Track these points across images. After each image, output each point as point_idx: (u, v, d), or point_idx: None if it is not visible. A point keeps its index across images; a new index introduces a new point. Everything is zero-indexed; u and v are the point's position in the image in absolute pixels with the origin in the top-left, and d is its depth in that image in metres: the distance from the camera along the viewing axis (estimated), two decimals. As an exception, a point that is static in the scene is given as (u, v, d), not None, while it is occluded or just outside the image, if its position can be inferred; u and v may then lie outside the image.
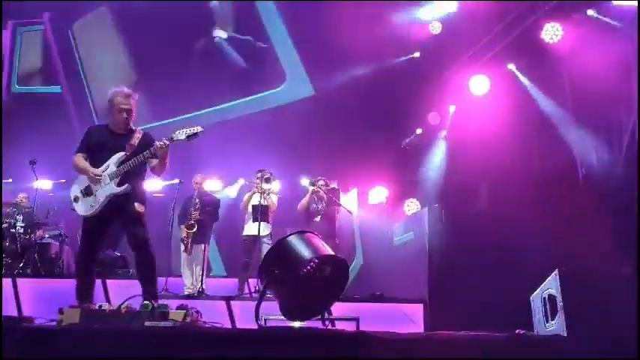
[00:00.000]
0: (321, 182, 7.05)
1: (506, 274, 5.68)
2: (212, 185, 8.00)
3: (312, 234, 4.01)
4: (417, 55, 9.01)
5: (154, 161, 4.33)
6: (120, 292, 5.54)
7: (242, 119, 9.71)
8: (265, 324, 4.15)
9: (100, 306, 3.74)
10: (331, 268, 3.95)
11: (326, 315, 4.14)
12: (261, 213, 6.76)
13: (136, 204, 4.25)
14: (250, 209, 7.05)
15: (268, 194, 7.01)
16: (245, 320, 5.58)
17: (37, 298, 6.21)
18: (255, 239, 6.82)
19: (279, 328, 3.85)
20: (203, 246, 7.00)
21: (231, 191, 8.33)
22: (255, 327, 3.77)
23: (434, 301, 5.99)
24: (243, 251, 6.97)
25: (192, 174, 7.38)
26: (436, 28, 8.74)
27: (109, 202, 4.23)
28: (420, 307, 5.99)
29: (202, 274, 6.84)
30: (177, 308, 3.73)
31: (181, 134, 4.25)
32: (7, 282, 6.22)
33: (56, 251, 7.57)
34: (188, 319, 3.60)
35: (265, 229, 6.91)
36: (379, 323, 4.58)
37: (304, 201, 7.04)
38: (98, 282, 5.80)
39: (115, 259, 7.35)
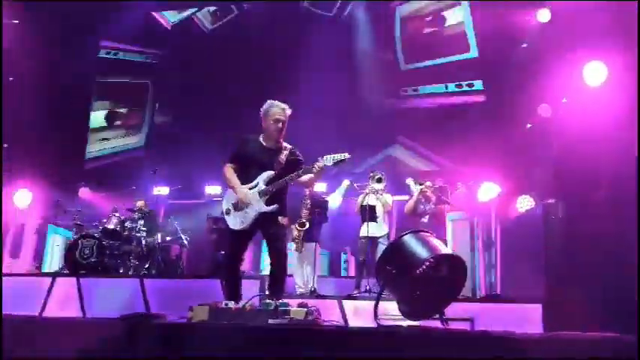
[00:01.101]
0: (428, 183, 6.99)
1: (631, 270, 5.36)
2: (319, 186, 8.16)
3: (427, 233, 4.00)
4: (525, 45, 8.69)
5: (303, 178, 4.49)
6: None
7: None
8: (380, 323, 4.17)
9: (226, 304, 3.92)
10: (448, 268, 3.91)
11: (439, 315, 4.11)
12: (369, 213, 6.80)
13: (279, 217, 4.46)
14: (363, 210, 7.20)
15: (381, 194, 7.06)
16: (357, 319, 5.63)
17: (162, 297, 6.60)
18: (371, 240, 6.94)
19: (399, 327, 3.86)
20: (314, 245, 7.15)
21: (337, 197, 8.24)
22: (369, 326, 3.80)
23: (553, 301, 5.76)
24: (359, 251, 7.11)
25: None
26: (544, 16, 8.39)
27: (256, 219, 4.43)
28: (538, 307, 5.76)
29: (314, 273, 6.98)
30: (298, 306, 3.83)
31: (329, 160, 4.38)
32: (135, 282, 6.65)
33: (177, 253, 8.04)
34: (309, 317, 3.69)
35: (380, 229, 6.98)
36: (494, 323, 4.47)
37: (411, 202, 7.02)
38: (216, 282, 6.19)
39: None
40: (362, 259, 6.98)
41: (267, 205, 4.39)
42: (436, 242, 3.92)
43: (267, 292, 4.36)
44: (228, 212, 4.52)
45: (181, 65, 10.64)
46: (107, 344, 3.46)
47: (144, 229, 7.63)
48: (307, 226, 7.10)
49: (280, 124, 4.52)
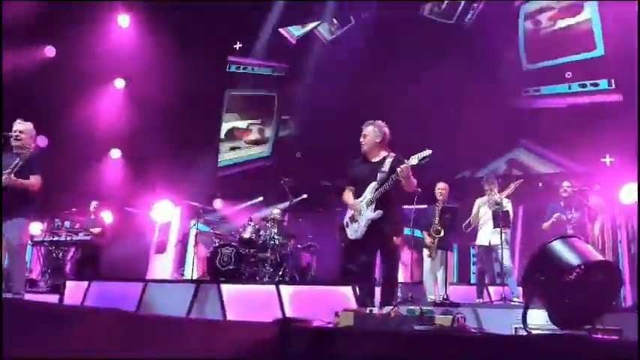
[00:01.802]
0: (566, 183, 6.70)
1: None
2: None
3: (577, 238, 3.83)
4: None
5: (403, 182, 4.74)
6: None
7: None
8: (529, 331, 4.05)
9: (371, 310, 3.99)
10: (601, 275, 3.72)
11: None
12: (504, 219, 6.63)
13: (394, 238, 4.87)
14: (481, 217, 7.08)
15: (500, 200, 6.91)
16: (490, 327, 5.51)
17: (296, 303, 6.83)
18: (488, 248, 6.81)
19: (549, 336, 3.72)
20: (446, 253, 7.09)
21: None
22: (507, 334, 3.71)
23: None
24: (479, 260, 7.00)
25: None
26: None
27: (368, 228, 4.78)
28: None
29: (446, 281, 6.92)
30: (442, 314, 3.81)
31: (414, 159, 4.63)
32: (271, 288, 6.94)
33: (308, 261, 8.29)
34: (455, 324, 3.66)
35: (496, 236, 6.81)
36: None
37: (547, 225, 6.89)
38: (347, 288, 6.32)
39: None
40: (481, 267, 6.92)
41: (375, 212, 4.73)
42: (587, 248, 3.75)
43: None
44: (347, 225, 4.99)
45: (305, 77, 10.96)
46: (262, 347, 3.62)
47: (277, 237, 7.94)
48: (442, 233, 7.06)
49: (362, 139, 4.99)
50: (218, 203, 10.73)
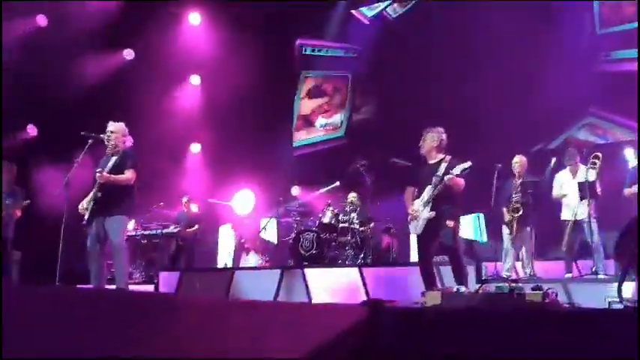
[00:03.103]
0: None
1: None
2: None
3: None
4: None
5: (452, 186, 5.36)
6: (450, 278, 5.86)
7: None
8: (610, 306, 3.97)
9: (458, 289, 4.01)
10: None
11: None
12: (591, 191, 6.42)
13: (447, 221, 5.31)
14: (565, 191, 6.88)
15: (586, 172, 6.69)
16: (582, 302, 5.37)
17: (379, 284, 6.90)
18: (574, 223, 6.72)
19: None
20: (529, 228, 6.93)
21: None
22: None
23: None
24: (566, 234, 6.82)
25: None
26: None
27: (425, 225, 5.44)
28: None
29: (531, 258, 6.78)
30: (533, 290, 3.78)
31: (457, 170, 5.24)
32: (353, 271, 7.06)
33: (388, 242, 8.34)
34: (547, 300, 3.62)
35: (582, 209, 6.59)
36: None
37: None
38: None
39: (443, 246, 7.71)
40: (568, 240, 6.76)
41: (430, 212, 5.37)
42: (685, 217, 3.60)
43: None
44: (410, 222, 5.63)
45: (378, 57, 10.93)
46: (352, 329, 3.71)
47: (356, 221, 8.03)
48: (521, 211, 6.90)
49: (421, 142, 5.63)
50: (296, 190, 10.93)
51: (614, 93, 8.53)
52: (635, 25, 8.49)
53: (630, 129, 8.50)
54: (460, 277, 5.18)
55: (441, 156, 5.55)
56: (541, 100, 8.63)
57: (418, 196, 5.52)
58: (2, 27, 8.39)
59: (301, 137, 11.91)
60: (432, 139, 5.59)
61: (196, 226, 9.28)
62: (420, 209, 5.43)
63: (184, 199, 9.61)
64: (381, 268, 7.27)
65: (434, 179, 5.38)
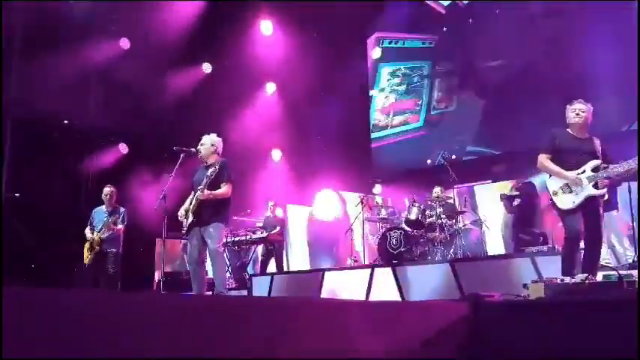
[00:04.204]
0: None
1: None
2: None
3: None
4: None
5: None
6: (549, 268, 5.66)
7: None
8: None
9: (562, 280, 3.87)
10: None
11: None
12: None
13: (600, 208, 4.99)
14: None
15: None
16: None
17: (471, 279, 6.74)
18: None
19: None
20: (615, 212, 6.61)
21: None
22: None
23: None
24: None
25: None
26: None
27: (585, 201, 4.95)
28: None
29: (628, 242, 6.46)
30: (646, 277, 3.59)
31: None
32: (444, 266, 6.94)
33: (477, 235, 8.18)
34: (662, 288, 3.43)
35: None
36: None
37: None
38: (524, 259, 6.16)
39: (536, 235, 7.51)
40: None
41: (595, 189, 4.91)
42: None
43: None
44: (555, 194, 5.07)
45: (456, 45, 10.79)
46: (454, 325, 3.67)
47: (443, 215, 7.92)
48: (606, 196, 6.57)
49: (581, 113, 5.10)
50: (378, 188, 10.92)
51: None
52: None
53: None
54: (595, 265, 4.87)
55: (587, 134, 5.17)
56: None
57: (566, 169, 5.03)
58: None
59: (380, 129, 11.90)
60: (587, 112, 5.13)
61: (278, 228, 9.47)
62: (582, 183, 4.94)
63: (270, 204, 9.83)
64: (472, 262, 7.11)
65: (595, 154, 5.00)
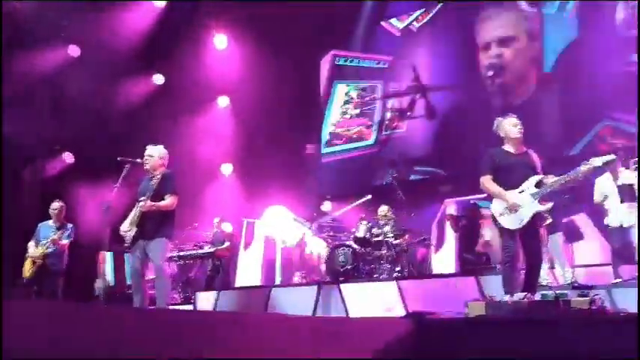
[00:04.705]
0: None
1: None
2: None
3: None
4: None
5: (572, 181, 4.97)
6: (491, 287, 5.80)
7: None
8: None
9: (502, 298, 3.97)
10: None
11: None
12: (629, 194, 6.31)
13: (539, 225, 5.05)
14: (609, 196, 6.76)
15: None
16: (627, 308, 5.25)
17: (416, 297, 6.85)
18: (620, 229, 6.54)
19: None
20: (558, 235, 6.86)
21: None
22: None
23: None
24: (611, 241, 6.74)
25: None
26: None
27: (532, 219, 4.92)
28: None
29: (567, 266, 6.70)
30: (579, 296, 3.72)
31: (597, 162, 4.76)
32: (390, 284, 7.01)
33: (423, 254, 8.30)
34: (594, 307, 3.56)
35: (629, 216, 6.46)
36: None
37: None
38: (469, 279, 6.29)
39: (480, 255, 7.68)
40: (614, 246, 6.62)
41: (541, 205, 4.88)
42: None
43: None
44: (502, 214, 5.00)
45: (408, 67, 11.01)
46: (397, 341, 3.70)
47: (390, 234, 8.01)
48: (549, 220, 6.80)
49: (519, 127, 5.09)
50: (327, 205, 10.96)
51: (632, 95, 8.41)
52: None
53: None
54: (535, 283, 4.91)
55: (525, 147, 5.18)
56: (563, 101, 8.58)
57: (507, 188, 4.99)
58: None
59: (332, 146, 12.01)
60: (510, 123, 5.15)
61: (227, 243, 9.36)
62: (526, 201, 4.89)
63: (216, 220, 9.73)
64: (418, 281, 7.21)
65: (535, 169, 5.01)
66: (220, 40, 11.60)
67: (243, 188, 11.34)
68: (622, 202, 6.46)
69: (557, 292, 3.80)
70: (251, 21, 11.17)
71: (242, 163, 11.62)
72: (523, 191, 4.95)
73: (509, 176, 5.02)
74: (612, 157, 4.82)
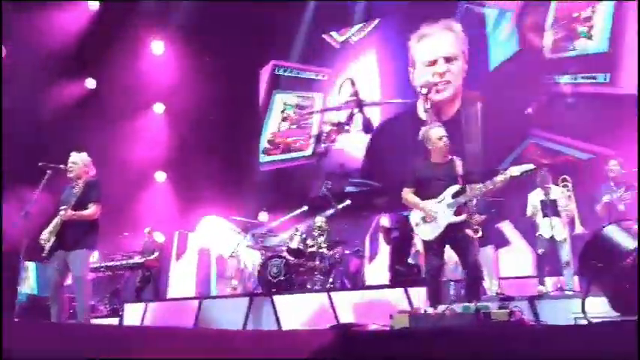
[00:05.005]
0: (613, 162, 6.63)
1: None
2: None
3: (631, 221, 3.77)
4: None
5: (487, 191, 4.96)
6: (420, 299, 5.87)
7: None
8: (590, 320, 3.99)
9: (425, 310, 4.00)
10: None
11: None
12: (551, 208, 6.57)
13: (467, 230, 4.94)
14: (540, 210, 7.00)
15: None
16: (550, 319, 5.42)
17: (349, 308, 6.86)
18: (550, 241, 6.76)
19: (611, 323, 3.65)
20: (490, 248, 7.04)
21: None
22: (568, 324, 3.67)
23: None
24: (539, 252, 6.97)
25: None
26: None
27: (446, 230, 4.90)
28: None
29: (495, 278, 6.88)
30: (499, 308, 3.80)
31: (515, 171, 4.76)
32: (322, 296, 7.00)
33: (357, 266, 8.33)
34: (513, 318, 3.64)
35: (558, 230, 6.71)
36: None
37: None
38: (399, 290, 6.36)
39: (411, 267, 7.75)
40: (541, 251, 6.84)
41: (455, 216, 4.83)
42: (642, 230, 3.68)
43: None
44: (417, 225, 5.04)
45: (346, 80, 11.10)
46: (321, 353, 3.68)
47: (324, 245, 7.99)
48: (480, 233, 6.96)
49: (445, 139, 5.05)
50: (264, 216, 10.86)
51: (557, 115, 8.86)
52: (576, 53, 8.84)
53: (572, 147, 8.69)
54: (477, 290, 4.87)
55: (450, 156, 5.12)
56: (490, 120, 8.88)
57: (428, 198, 4.96)
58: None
59: (270, 155, 11.94)
60: (437, 134, 5.09)
61: (156, 254, 9.13)
62: (440, 212, 4.85)
63: (146, 230, 9.47)
64: (350, 292, 7.22)
65: (458, 179, 4.94)
66: (157, 46, 11.37)
67: (178, 197, 11.11)
68: (544, 216, 6.70)
69: (478, 304, 3.87)
70: (189, 28, 11.00)
71: (177, 171, 11.40)
72: (441, 201, 4.91)
73: (431, 186, 5.00)
74: (530, 166, 4.80)
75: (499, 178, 4.76)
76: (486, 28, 9.88)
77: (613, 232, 3.65)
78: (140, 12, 10.91)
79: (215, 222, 10.53)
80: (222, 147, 11.11)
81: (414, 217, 5.06)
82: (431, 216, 4.84)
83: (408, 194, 5.11)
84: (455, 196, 4.87)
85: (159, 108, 11.72)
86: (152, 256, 9.09)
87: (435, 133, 5.09)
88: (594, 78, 8.71)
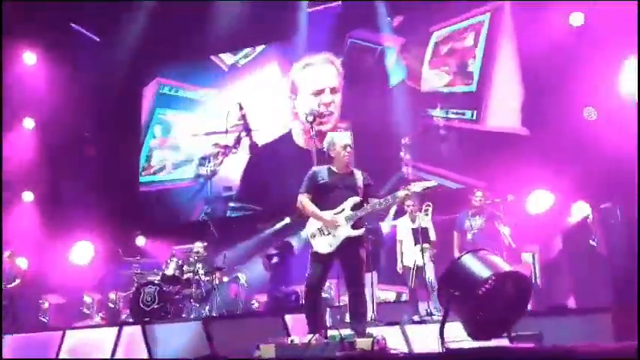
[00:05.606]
0: (479, 193, 7.02)
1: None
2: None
3: (486, 251, 3.97)
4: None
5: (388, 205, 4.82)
6: (297, 326, 5.84)
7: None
8: (447, 347, 4.12)
9: (292, 340, 3.97)
10: (511, 285, 3.86)
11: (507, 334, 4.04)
12: (423, 236, 6.82)
13: (360, 250, 4.60)
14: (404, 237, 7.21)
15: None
16: (421, 344, 5.57)
17: (226, 337, 6.66)
18: (415, 269, 7.00)
19: (467, 350, 3.80)
20: (370, 275, 7.15)
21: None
22: (435, 351, 3.77)
23: (622, 309, 5.57)
24: (408, 280, 7.20)
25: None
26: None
27: (342, 243, 4.56)
28: (608, 317, 5.58)
29: (373, 304, 6.97)
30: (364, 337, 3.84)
31: (417, 187, 4.58)
32: (197, 324, 6.76)
33: (235, 292, 8.17)
34: (376, 347, 3.69)
35: (420, 256, 6.97)
36: (563, 337, 4.37)
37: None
38: (277, 318, 6.26)
39: (289, 293, 7.73)
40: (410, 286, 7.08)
41: (353, 230, 4.55)
42: (496, 260, 3.88)
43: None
44: (313, 236, 4.65)
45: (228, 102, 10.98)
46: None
47: (202, 271, 7.78)
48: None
49: (349, 149, 4.76)
50: (140, 240, 10.41)
51: (426, 145, 9.38)
52: (452, 90, 9.40)
53: (444, 177, 9.11)
54: (364, 315, 4.51)
55: (350, 167, 4.84)
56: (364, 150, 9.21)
57: (324, 209, 4.61)
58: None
59: (150, 174, 11.52)
60: (341, 142, 4.79)
61: (17, 281, 8.44)
62: (340, 223, 4.54)
63: (6, 254, 8.74)
64: (225, 320, 7.05)
65: (358, 190, 4.67)
66: (29, 57, 10.63)
67: (46, 219, 10.32)
68: (416, 244, 6.95)
69: (344, 333, 3.89)
70: (64, 41, 10.44)
71: (46, 191, 10.61)
72: (339, 212, 4.61)
73: (330, 196, 4.67)
74: (433, 183, 4.71)
75: (400, 193, 4.59)
76: (371, 61, 10.22)
77: (469, 261, 3.81)
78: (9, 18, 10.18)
79: (87, 248, 9.97)
80: (99, 166, 10.56)
81: (310, 227, 4.68)
82: (333, 227, 4.52)
83: (305, 200, 4.69)
84: (354, 208, 4.58)
85: (29, 123, 10.90)
86: (14, 284, 8.39)
87: (341, 141, 4.79)
88: (463, 114, 9.27)
